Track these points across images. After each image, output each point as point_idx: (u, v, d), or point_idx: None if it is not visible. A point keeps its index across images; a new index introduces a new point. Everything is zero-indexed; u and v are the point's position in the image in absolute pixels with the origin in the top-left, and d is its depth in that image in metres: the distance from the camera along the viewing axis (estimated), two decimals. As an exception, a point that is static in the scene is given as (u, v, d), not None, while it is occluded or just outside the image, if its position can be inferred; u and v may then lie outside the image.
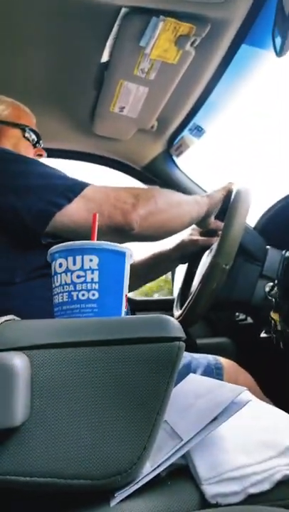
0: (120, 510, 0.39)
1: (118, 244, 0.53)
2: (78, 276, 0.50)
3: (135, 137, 1.41)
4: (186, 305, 0.96)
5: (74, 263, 0.51)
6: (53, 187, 0.77)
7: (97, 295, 0.50)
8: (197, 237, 1.12)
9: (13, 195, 0.75)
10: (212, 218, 1.03)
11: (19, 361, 0.39)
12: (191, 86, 1.19)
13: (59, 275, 0.52)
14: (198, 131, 1.41)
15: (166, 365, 0.42)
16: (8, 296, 0.74)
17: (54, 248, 0.53)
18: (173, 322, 0.44)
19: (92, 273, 0.50)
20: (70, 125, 1.40)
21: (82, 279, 0.50)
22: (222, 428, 0.45)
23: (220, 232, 0.91)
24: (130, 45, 1.01)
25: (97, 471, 0.39)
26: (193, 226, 1.07)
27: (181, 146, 1.47)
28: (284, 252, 1.02)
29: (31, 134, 1.02)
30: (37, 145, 1.04)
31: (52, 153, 1.31)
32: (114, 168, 1.60)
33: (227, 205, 0.93)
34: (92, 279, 0.50)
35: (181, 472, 0.44)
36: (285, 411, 0.56)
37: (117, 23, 0.97)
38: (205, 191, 1.52)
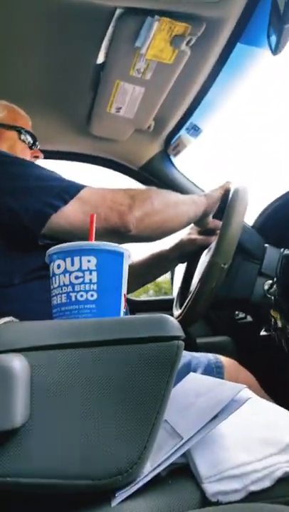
0: (121, 510, 0.39)
1: (116, 245, 0.53)
2: (76, 277, 0.50)
3: (132, 137, 1.41)
4: (185, 304, 0.96)
5: (72, 264, 0.51)
6: (49, 189, 0.77)
7: (95, 296, 0.50)
8: (195, 236, 1.12)
9: (11, 198, 0.75)
10: (210, 217, 1.03)
11: (18, 363, 0.40)
12: (188, 85, 1.19)
13: (57, 276, 0.52)
14: (195, 130, 1.41)
15: (166, 365, 0.42)
16: (6, 299, 0.74)
17: (52, 249, 0.53)
18: (171, 321, 0.44)
19: (91, 274, 0.50)
20: (67, 126, 1.40)
21: (81, 279, 0.50)
22: (222, 426, 0.45)
23: (218, 231, 0.91)
24: (126, 46, 1.01)
25: (98, 471, 0.39)
26: (192, 225, 1.07)
27: (178, 146, 1.47)
28: (282, 250, 1.02)
29: (27, 136, 1.02)
30: (33, 147, 1.04)
31: (49, 154, 1.31)
32: (111, 168, 1.60)
33: (225, 204, 0.93)
34: (90, 279, 0.50)
35: (182, 471, 0.44)
36: (286, 408, 0.56)
37: (112, 23, 0.97)
38: (203, 190, 1.52)
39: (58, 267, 0.52)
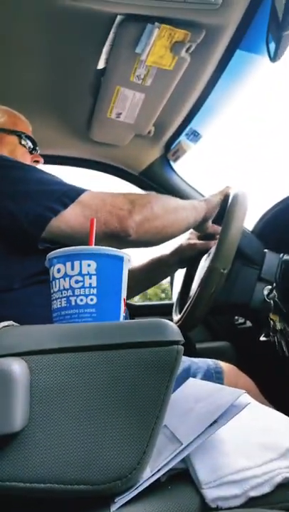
0: (121, 516, 0.39)
1: (116, 249, 0.53)
2: (76, 282, 0.50)
3: (132, 143, 1.42)
4: (185, 309, 0.96)
5: (72, 268, 0.51)
6: (49, 193, 0.77)
7: (95, 300, 0.50)
8: (195, 241, 1.12)
9: (11, 201, 0.75)
10: (210, 222, 1.03)
11: (18, 367, 0.40)
12: (187, 92, 1.20)
13: (57, 280, 0.52)
14: (195, 136, 1.42)
15: (165, 369, 0.42)
16: (5, 303, 0.74)
17: (52, 253, 0.53)
18: (171, 326, 0.44)
19: (90, 278, 0.51)
20: (68, 131, 1.40)
21: (81, 284, 0.50)
22: (222, 431, 0.45)
23: (218, 236, 0.91)
24: (126, 52, 1.02)
25: (97, 476, 0.39)
26: (191, 230, 1.08)
27: (178, 151, 1.48)
28: (282, 255, 1.02)
29: (27, 141, 1.02)
30: (33, 152, 1.05)
31: (50, 159, 1.31)
32: (111, 173, 1.61)
33: (224, 210, 0.93)
34: (90, 284, 0.50)
35: (182, 476, 0.44)
36: (286, 414, 0.56)
37: (113, 30, 0.98)
38: (202, 195, 1.53)
39: (58, 271, 0.52)
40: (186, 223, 0.93)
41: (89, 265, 0.51)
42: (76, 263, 0.51)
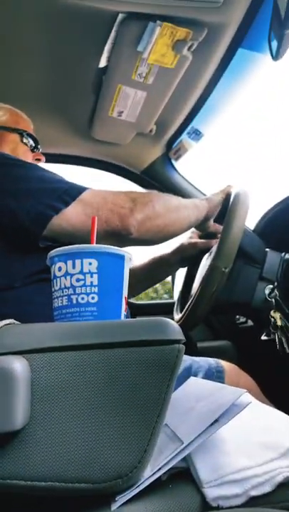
0: (121, 514, 0.39)
1: (117, 248, 0.53)
2: (78, 280, 0.50)
3: (134, 141, 1.41)
4: (186, 308, 0.96)
5: (73, 266, 0.51)
6: (51, 190, 0.77)
7: (96, 298, 0.50)
8: (196, 240, 1.12)
9: (12, 199, 0.75)
10: (211, 221, 1.03)
11: (19, 365, 0.40)
12: (189, 90, 1.20)
13: (58, 279, 0.52)
14: (197, 134, 1.42)
15: (166, 368, 0.42)
16: (6, 302, 0.74)
17: (53, 252, 0.53)
18: (172, 325, 0.44)
19: (92, 276, 0.50)
20: (69, 130, 1.40)
21: (82, 282, 0.50)
22: (223, 430, 0.45)
23: (219, 235, 0.91)
24: (128, 50, 1.02)
25: (98, 474, 0.39)
26: (193, 229, 1.08)
27: (180, 150, 1.48)
28: (283, 254, 1.02)
29: (29, 139, 1.02)
30: (35, 150, 1.05)
31: (51, 158, 1.32)
32: (113, 172, 1.61)
33: (226, 208, 0.93)
34: (91, 282, 0.50)
35: (182, 475, 0.44)
36: (286, 413, 0.56)
37: (115, 28, 0.97)
38: (204, 194, 1.53)
39: (59, 269, 0.52)
40: (188, 222, 0.93)
41: (90, 264, 0.51)
42: (77, 261, 0.51)
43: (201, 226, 1.02)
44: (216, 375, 0.90)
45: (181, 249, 1.13)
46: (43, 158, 1.07)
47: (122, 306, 0.53)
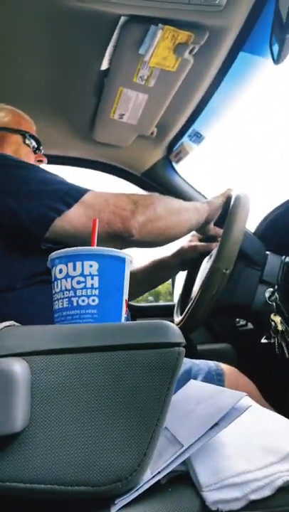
0: (121, 518, 0.39)
1: (118, 250, 0.53)
2: (78, 282, 0.50)
3: (135, 144, 1.42)
4: (186, 310, 0.96)
5: (74, 269, 0.51)
6: (52, 192, 0.77)
7: (97, 301, 0.50)
8: (196, 243, 1.12)
9: (13, 200, 0.75)
10: (211, 225, 1.03)
11: (19, 367, 0.39)
12: (190, 93, 1.20)
13: (59, 281, 0.52)
14: (198, 137, 1.42)
15: (167, 371, 0.42)
16: (7, 302, 0.74)
17: (54, 254, 0.53)
18: (173, 328, 0.44)
19: (92, 279, 0.50)
20: (71, 132, 1.40)
21: (82, 284, 0.50)
22: (223, 434, 0.45)
23: (219, 239, 0.91)
24: (129, 53, 1.02)
25: (98, 477, 0.39)
26: (193, 233, 1.08)
27: (181, 153, 1.48)
28: (283, 257, 1.02)
29: (31, 140, 1.02)
30: (37, 151, 1.05)
31: (53, 160, 1.31)
32: (114, 174, 1.61)
33: (226, 212, 0.93)
34: (92, 284, 0.50)
35: (182, 479, 0.44)
36: (286, 416, 0.56)
37: (117, 31, 0.98)
38: (205, 197, 1.53)
39: (60, 271, 0.52)
40: (189, 225, 0.93)
41: (91, 266, 0.51)
42: (78, 264, 0.51)
43: (202, 229, 1.02)
44: (216, 378, 0.90)
45: (181, 253, 1.13)
46: (45, 160, 1.07)
47: (123, 309, 0.53)
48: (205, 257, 1.06)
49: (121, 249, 0.55)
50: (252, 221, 1.15)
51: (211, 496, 0.41)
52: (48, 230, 0.75)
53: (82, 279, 0.50)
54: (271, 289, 0.98)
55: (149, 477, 0.41)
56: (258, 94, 1.23)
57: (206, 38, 0.97)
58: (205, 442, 0.43)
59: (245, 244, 0.94)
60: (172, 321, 0.90)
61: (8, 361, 0.40)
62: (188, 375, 0.89)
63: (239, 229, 0.88)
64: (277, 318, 0.94)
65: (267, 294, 0.98)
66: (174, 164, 1.56)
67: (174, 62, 1.04)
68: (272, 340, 0.98)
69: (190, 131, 1.40)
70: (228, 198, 0.99)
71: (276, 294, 0.97)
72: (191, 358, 0.95)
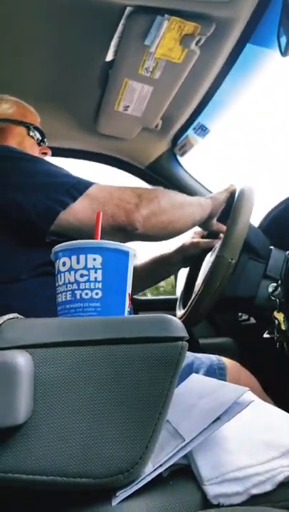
0: (122, 510, 0.39)
1: (121, 244, 0.53)
2: (82, 275, 0.50)
3: (139, 136, 1.41)
4: (189, 304, 0.96)
5: (78, 262, 0.51)
6: (58, 185, 0.77)
7: (100, 294, 0.50)
8: (198, 239, 1.11)
9: (19, 193, 0.75)
10: (214, 220, 1.03)
11: (22, 359, 0.40)
12: (196, 85, 1.19)
13: (63, 274, 0.52)
14: (203, 130, 1.41)
15: (169, 365, 0.42)
16: (12, 293, 0.74)
17: (58, 247, 0.53)
18: (176, 322, 0.44)
19: (96, 272, 0.50)
20: (75, 124, 1.40)
21: (86, 278, 0.50)
22: (224, 428, 0.45)
23: (222, 235, 0.91)
24: (135, 44, 1.01)
25: (100, 469, 0.39)
26: (195, 229, 1.07)
27: (185, 146, 1.47)
28: (287, 252, 1.01)
29: (36, 132, 1.02)
30: (41, 143, 1.04)
31: (56, 152, 1.31)
32: (118, 167, 1.60)
33: (230, 207, 0.93)
34: (95, 278, 0.50)
35: (183, 472, 0.44)
36: (288, 411, 0.56)
37: (122, 22, 0.97)
38: (209, 191, 1.52)
39: (64, 264, 0.52)
40: (192, 219, 0.93)
41: (94, 259, 0.50)
42: (82, 257, 0.51)
43: (205, 224, 1.02)
44: (217, 372, 0.90)
45: (183, 249, 1.13)
46: (50, 152, 1.06)
47: (126, 303, 0.53)
48: (207, 253, 1.06)
49: (124, 242, 0.54)
50: (256, 216, 1.14)
51: (212, 490, 0.41)
52: (53, 224, 0.75)
53: (85, 272, 0.50)
54: (274, 284, 0.98)
55: (150, 470, 0.42)
56: (264, 86, 1.22)
57: (212, 30, 0.96)
58: (207, 436, 0.43)
59: (250, 236, 0.94)
60: (174, 315, 0.90)
61: (11, 353, 0.40)
62: (190, 369, 0.89)
63: (244, 221, 0.88)
64: (280, 316, 0.94)
65: (270, 289, 0.98)
66: (178, 157, 1.55)
67: (180, 53, 1.02)
68: (274, 336, 0.98)
69: (195, 124, 1.39)
70: (232, 194, 0.99)
71: (279, 289, 0.97)
72: (193, 351, 0.96)
